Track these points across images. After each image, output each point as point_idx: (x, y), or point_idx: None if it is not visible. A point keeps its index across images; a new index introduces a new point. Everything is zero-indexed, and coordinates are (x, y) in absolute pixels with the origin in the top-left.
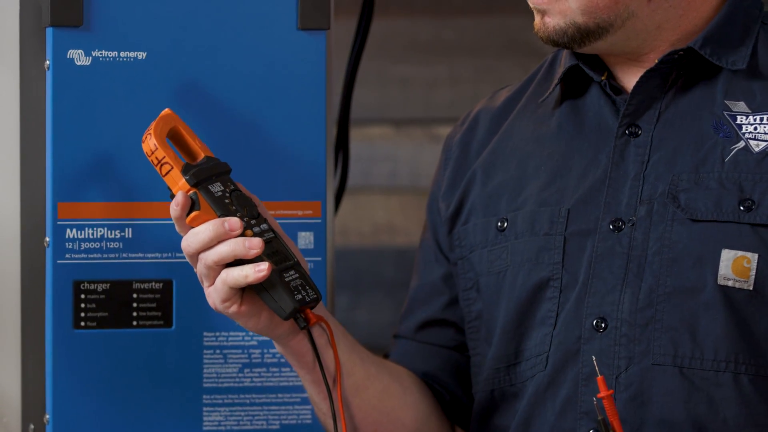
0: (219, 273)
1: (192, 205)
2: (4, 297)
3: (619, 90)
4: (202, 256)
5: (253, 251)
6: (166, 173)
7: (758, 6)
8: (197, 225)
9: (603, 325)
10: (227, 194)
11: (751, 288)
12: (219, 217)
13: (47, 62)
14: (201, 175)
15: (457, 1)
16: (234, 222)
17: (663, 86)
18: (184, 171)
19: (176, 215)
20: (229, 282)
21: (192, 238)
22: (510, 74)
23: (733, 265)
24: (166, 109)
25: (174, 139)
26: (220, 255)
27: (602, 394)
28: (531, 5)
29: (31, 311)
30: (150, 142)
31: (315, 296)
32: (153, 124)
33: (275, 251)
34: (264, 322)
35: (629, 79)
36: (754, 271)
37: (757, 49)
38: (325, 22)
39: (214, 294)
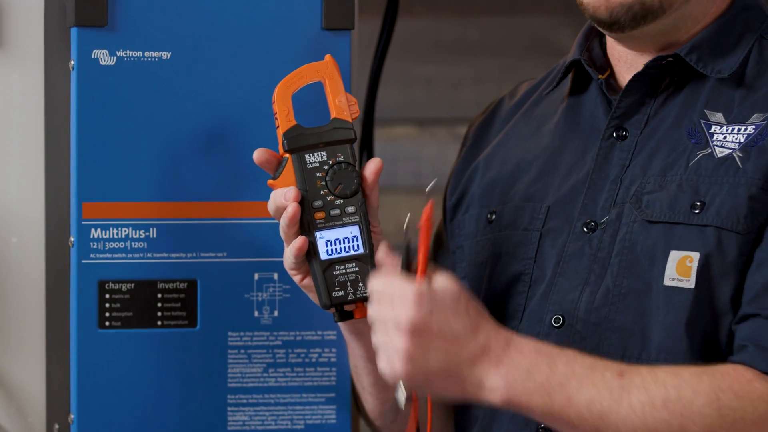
0: (290, 239)
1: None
2: (29, 297)
3: (617, 90)
4: None
5: (283, 230)
6: (277, 129)
7: (761, 18)
8: (276, 188)
9: (560, 322)
10: (326, 166)
11: (692, 287)
12: (297, 186)
13: (72, 62)
14: (300, 141)
15: (482, 1)
16: (290, 193)
17: (654, 91)
18: (286, 134)
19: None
20: (287, 253)
21: (269, 201)
22: (533, 74)
23: (678, 265)
24: (327, 56)
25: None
26: (281, 224)
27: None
28: None
29: (56, 311)
30: (275, 93)
31: (365, 295)
32: (292, 73)
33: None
34: None
35: (627, 80)
36: (695, 270)
37: (748, 60)
38: (350, 22)
39: (285, 260)
